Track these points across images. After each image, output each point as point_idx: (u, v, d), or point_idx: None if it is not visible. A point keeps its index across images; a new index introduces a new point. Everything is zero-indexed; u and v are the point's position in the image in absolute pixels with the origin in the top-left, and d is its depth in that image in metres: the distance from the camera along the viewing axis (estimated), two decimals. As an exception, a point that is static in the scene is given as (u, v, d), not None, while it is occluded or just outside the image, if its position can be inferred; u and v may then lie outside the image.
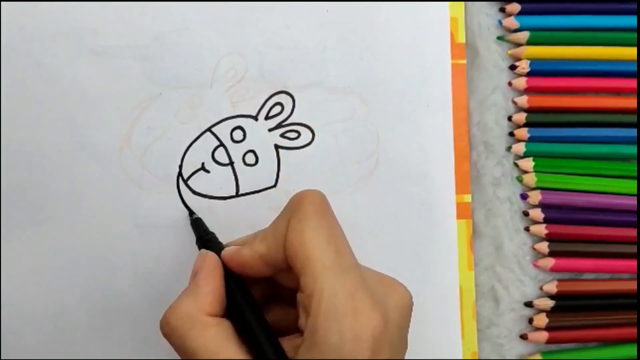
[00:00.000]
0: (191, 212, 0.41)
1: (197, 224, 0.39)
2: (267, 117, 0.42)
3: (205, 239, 0.37)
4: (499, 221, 0.44)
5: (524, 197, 0.44)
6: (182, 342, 0.31)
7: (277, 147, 0.41)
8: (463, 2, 0.44)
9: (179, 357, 0.40)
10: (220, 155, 0.41)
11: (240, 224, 0.41)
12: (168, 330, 0.32)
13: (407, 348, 0.32)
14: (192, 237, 0.40)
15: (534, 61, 0.44)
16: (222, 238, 0.39)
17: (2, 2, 0.40)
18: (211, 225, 0.40)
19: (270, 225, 0.33)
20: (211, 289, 0.33)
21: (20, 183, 0.40)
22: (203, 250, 0.35)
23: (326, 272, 0.30)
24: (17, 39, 0.41)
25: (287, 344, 0.31)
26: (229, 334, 0.31)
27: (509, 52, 0.45)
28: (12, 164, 0.40)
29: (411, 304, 0.32)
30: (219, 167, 0.41)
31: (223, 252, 0.34)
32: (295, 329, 0.32)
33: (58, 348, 0.40)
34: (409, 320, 0.32)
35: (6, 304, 0.40)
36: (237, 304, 0.33)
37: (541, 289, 0.44)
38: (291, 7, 0.42)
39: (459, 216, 0.43)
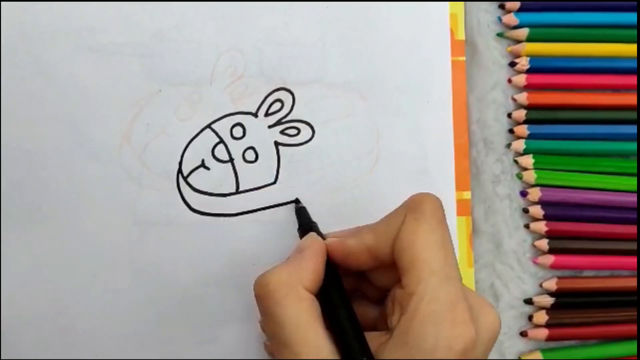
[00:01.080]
0: (297, 201, 0.41)
1: (302, 213, 0.40)
2: (267, 114, 0.42)
3: (309, 227, 0.38)
4: (498, 218, 0.44)
5: (523, 194, 0.44)
6: (274, 307, 0.31)
7: (277, 143, 0.41)
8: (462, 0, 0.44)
9: (178, 358, 0.40)
10: (220, 152, 0.41)
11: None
12: (264, 292, 0.32)
13: None
14: (192, 236, 0.40)
15: (533, 58, 0.44)
16: (223, 236, 0.39)
17: (2, 1, 0.40)
18: (211, 222, 0.40)
19: (381, 220, 0.34)
20: (314, 267, 0.33)
21: (20, 181, 0.40)
22: (313, 234, 0.36)
23: (432, 276, 0.30)
24: (16, 36, 0.41)
25: (370, 339, 0.32)
26: (318, 314, 0.31)
27: (509, 49, 0.45)
28: (11, 161, 0.40)
29: (499, 330, 0.32)
30: (219, 164, 0.41)
31: (327, 242, 0.35)
32: (372, 328, 0.33)
33: (58, 347, 0.40)
34: (493, 346, 0.33)
35: (6, 303, 0.40)
36: (330, 290, 0.33)
37: (541, 286, 0.44)
38: (291, 4, 0.42)
39: (458, 213, 0.43)
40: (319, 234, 0.37)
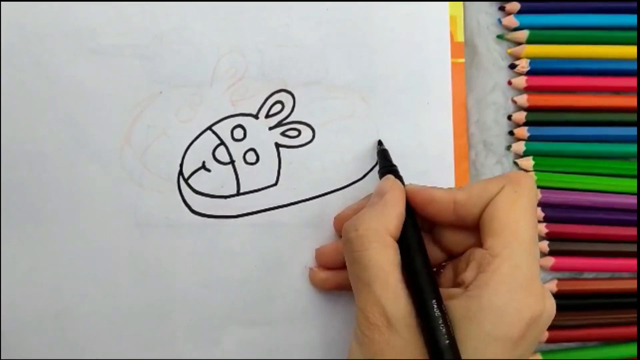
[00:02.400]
0: (380, 143, 0.42)
1: (384, 154, 0.40)
2: (267, 116, 0.42)
3: (389, 168, 0.38)
4: (498, 220, 0.44)
5: (524, 196, 0.44)
6: (361, 251, 0.33)
7: (277, 145, 0.41)
8: (461, 1, 0.44)
9: (178, 358, 0.40)
10: (221, 153, 0.41)
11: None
12: (353, 236, 0.34)
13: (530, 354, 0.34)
14: (193, 237, 0.40)
15: (533, 60, 0.44)
16: (224, 238, 0.39)
17: (2, 2, 0.40)
18: (212, 224, 0.40)
19: (474, 183, 0.35)
20: (397, 213, 0.34)
21: (20, 182, 0.40)
22: (390, 176, 0.37)
23: (520, 245, 0.32)
24: (17, 38, 0.41)
25: (442, 291, 0.33)
26: (399, 260, 0.33)
27: (509, 50, 0.45)
28: (12, 163, 0.40)
29: (553, 317, 0.34)
30: (220, 165, 0.41)
31: (408, 186, 0.36)
32: None
33: (58, 348, 0.40)
34: (544, 332, 0.34)
35: (6, 304, 0.40)
36: (408, 236, 0.35)
37: (541, 288, 0.44)
38: (291, 6, 0.42)
39: (459, 215, 0.43)
40: (399, 177, 0.38)
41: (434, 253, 0.37)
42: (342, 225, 0.37)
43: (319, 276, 0.40)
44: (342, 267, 0.37)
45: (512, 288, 0.31)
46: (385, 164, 0.39)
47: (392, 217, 0.34)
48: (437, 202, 0.35)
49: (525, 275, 0.32)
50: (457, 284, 0.34)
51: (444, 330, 0.30)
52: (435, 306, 0.31)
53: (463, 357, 0.30)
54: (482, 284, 0.31)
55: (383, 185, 0.36)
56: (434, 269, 0.37)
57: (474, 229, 0.35)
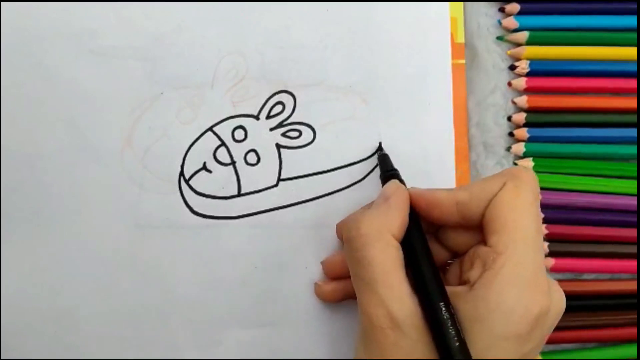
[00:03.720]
0: (380, 148, 0.42)
1: (385, 160, 0.40)
2: (268, 117, 0.42)
3: (390, 173, 0.39)
4: (499, 221, 0.44)
5: (524, 197, 0.44)
6: (364, 249, 0.33)
7: (278, 146, 0.41)
8: (462, 3, 0.44)
9: (178, 358, 0.40)
10: (222, 154, 0.41)
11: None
12: (355, 235, 0.34)
13: (541, 347, 0.34)
14: (194, 239, 0.40)
15: (533, 61, 0.44)
16: (225, 239, 0.39)
17: (2, 3, 0.40)
18: (213, 225, 0.40)
19: (476, 182, 0.35)
20: (400, 215, 0.34)
21: (21, 184, 0.40)
22: (396, 180, 0.37)
23: (524, 241, 0.32)
24: (18, 39, 0.41)
25: (448, 289, 0.33)
26: (402, 261, 0.33)
27: (509, 52, 0.45)
28: (12, 165, 0.40)
29: (563, 309, 0.34)
30: (221, 166, 0.41)
31: (412, 190, 0.36)
32: None
33: (58, 349, 0.40)
34: (556, 324, 0.34)
35: (6, 305, 0.40)
36: (413, 238, 0.35)
37: (541, 289, 0.44)
38: (292, 7, 0.42)
39: (459, 216, 0.43)
40: (401, 181, 0.38)
41: (438, 252, 0.38)
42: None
43: (326, 289, 0.40)
44: (348, 276, 0.36)
45: (518, 285, 0.31)
46: (387, 169, 0.39)
47: (395, 218, 0.34)
48: (440, 204, 0.35)
49: (531, 271, 0.32)
50: (462, 282, 0.34)
51: (453, 332, 0.30)
52: (443, 308, 0.31)
53: (473, 358, 0.30)
54: (487, 283, 0.31)
55: (387, 188, 0.36)
56: (440, 267, 0.38)
57: (478, 227, 0.35)
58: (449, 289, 0.33)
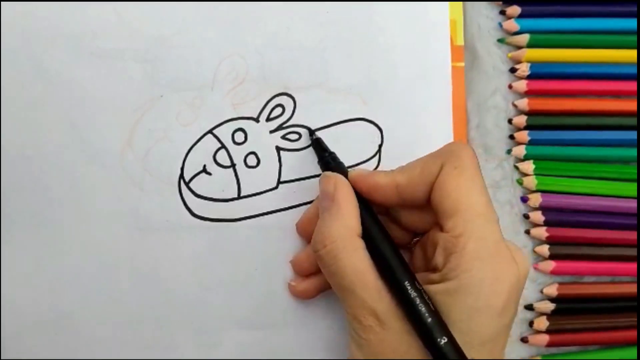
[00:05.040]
0: (311, 132, 0.41)
1: (318, 144, 0.40)
2: (268, 119, 0.42)
3: (327, 159, 0.39)
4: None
5: (524, 199, 0.44)
6: (334, 262, 0.33)
7: (278, 148, 0.41)
8: (461, 4, 0.44)
9: (178, 358, 0.40)
10: (222, 157, 0.41)
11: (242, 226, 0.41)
12: (323, 253, 0.34)
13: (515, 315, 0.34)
14: (193, 241, 0.40)
15: (534, 64, 0.44)
16: (225, 241, 0.39)
17: (2, 4, 0.40)
18: (213, 228, 0.40)
19: (412, 163, 0.36)
20: (353, 210, 0.35)
21: (21, 186, 0.40)
22: (329, 172, 0.37)
23: (478, 217, 0.33)
24: (18, 41, 0.41)
25: (419, 277, 0.34)
26: (368, 255, 0.34)
27: (509, 54, 0.45)
28: (12, 167, 0.40)
29: (527, 273, 0.34)
30: (221, 169, 0.41)
31: (351, 173, 0.37)
32: None
33: (58, 351, 0.40)
34: (522, 291, 0.34)
35: (6, 307, 0.40)
36: (369, 225, 0.35)
37: (542, 291, 0.44)
38: (291, 9, 0.42)
39: (459, 219, 0.43)
40: (339, 164, 0.38)
41: (397, 234, 0.38)
42: (305, 232, 0.39)
43: (299, 289, 0.40)
44: (318, 270, 0.37)
45: (484, 260, 0.32)
46: (323, 154, 0.39)
47: (350, 216, 0.34)
48: (380, 187, 0.36)
49: (492, 244, 0.32)
50: (430, 268, 0.34)
51: (423, 308, 0.31)
52: (409, 286, 0.32)
53: (451, 332, 0.31)
54: (454, 266, 0.32)
55: (327, 186, 0.36)
56: (409, 247, 0.38)
57: (425, 207, 0.35)
58: (420, 276, 0.33)
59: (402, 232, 0.38)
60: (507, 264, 0.32)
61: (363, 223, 0.35)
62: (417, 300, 0.31)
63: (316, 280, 0.39)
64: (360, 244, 0.34)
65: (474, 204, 0.33)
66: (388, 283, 0.33)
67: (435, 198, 0.34)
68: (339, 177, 0.36)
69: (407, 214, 0.37)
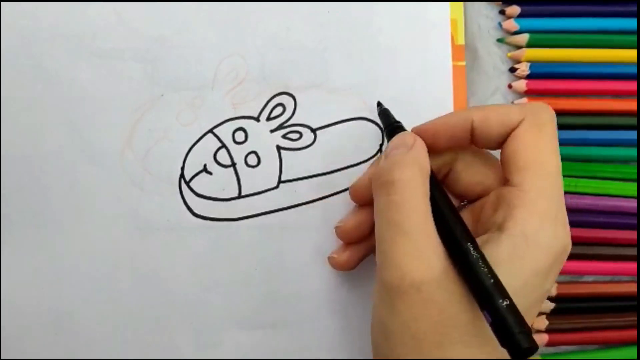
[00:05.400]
0: (379, 104, 0.41)
1: (386, 114, 0.40)
2: (268, 118, 0.42)
3: (396, 124, 0.38)
4: (499, 223, 0.44)
5: (524, 199, 0.44)
6: (403, 192, 0.32)
7: (279, 148, 0.41)
8: (462, 4, 0.44)
9: (178, 358, 0.40)
10: (222, 156, 0.41)
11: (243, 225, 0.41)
12: (397, 177, 0.32)
13: None
14: (194, 241, 0.40)
15: (534, 64, 0.44)
16: (225, 240, 0.39)
17: (2, 4, 0.40)
18: (213, 227, 0.40)
19: (490, 105, 0.36)
20: (428, 164, 0.34)
21: (21, 186, 0.40)
22: (406, 131, 0.37)
23: (550, 177, 0.33)
24: (18, 41, 0.41)
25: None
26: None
27: (509, 54, 0.45)
28: (12, 166, 0.40)
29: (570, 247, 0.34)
30: (221, 168, 0.41)
31: (416, 127, 0.36)
32: None
33: (58, 351, 0.40)
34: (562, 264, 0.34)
35: (7, 307, 0.40)
36: (432, 190, 0.33)
37: (541, 291, 0.44)
38: (292, 9, 0.42)
39: (459, 218, 0.43)
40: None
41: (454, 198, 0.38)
42: (359, 195, 0.37)
43: (342, 260, 0.39)
44: (362, 239, 0.37)
45: (550, 221, 0.32)
46: (392, 122, 0.39)
47: (427, 164, 0.33)
48: (450, 126, 0.35)
49: (557, 207, 0.32)
50: (483, 229, 0.34)
51: (486, 269, 0.30)
52: (472, 248, 0.30)
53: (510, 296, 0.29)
54: (521, 220, 0.31)
55: (406, 137, 0.35)
56: None
57: (487, 164, 0.35)
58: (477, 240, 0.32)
59: (452, 199, 0.36)
60: (564, 229, 0.32)
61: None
62: (480, 262, 0.30)
63: (359, 248, 0.39)
64: (428, 192, 0.32)
65: (547, 164, 0.33)
66: (449, 245, 0.31)
67: (510, 148, 0.33)
68: (418, 137, 0.35)
69: (468, 174, 0.36)
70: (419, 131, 0.36)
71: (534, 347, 0.28)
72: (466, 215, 0.36)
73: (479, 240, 0.32)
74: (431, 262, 0.30)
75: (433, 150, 0.35)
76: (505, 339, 0.28)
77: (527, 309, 0.30)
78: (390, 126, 0.39)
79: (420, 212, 0.31)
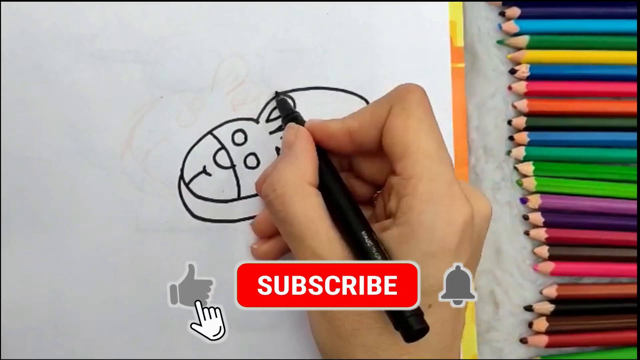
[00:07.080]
0: (277, 94, 0.41)
1: (284, 103, 0.40)
2: (268, 120, 0.42)
3: (291, 116, 0.39)
4: (498, 225, 0.45)
5: (523, 201, 0.44)
6: (284, 207, 0.33)
7: (278, 149, 0.41)
8: (461, 5, 0.44)
9: (178, 358, 0.40)
10: (222, 158, 0.41)
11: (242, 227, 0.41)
12: (273, 197, 0.33)
13: (479, 260, 0.34)
14: (194, 242, 0.40)
15: (533, 65, 0.44)
16: (224, 242, 0.39)
17: (2, 5, 0.40)
18: (213, 228, 0.40)
19: (364, 108, 0.35)
20: (310, 159, 0.34)
21: (21, 188, 0.40)
22: (292, 124, 0.37)
23: (427, 158, 0.32)
24: (18, 43, 0.41)
25: (375, 226, 0.33)
26: (323, 205, 0.33)
27: (509, 56, 0.45)
28: (13, 168, 0.40)
29: (491, 214, 0.34)
30: (221, 170, 0.41)
31: (307, 123, 0.37)
32: None
33: (58, 352, 0.40)
34: (487, 231, 0.34)
35: (7, 308, 0.40)
36: (326, 177, 0.34)
37: (541, 293, 0.44)
38: (291, 10, 0.42)
39: (459, 220, 0.43)
40: (302, 122, 0.38)
41: (360, 189, 0.38)
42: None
43: (261, 251, 0.39)
44: (278, 232, 0.37)
45: (435, 201, 0.31)
46: (287, 113, 0.39)
47: (305, 165, 0.34)
48: (334, 134, 0.35)
49: (443, 184, 0.31)
50: (387, 216, 0.34)
51: (379, 257, 0.30)
52: (366, 237, 0.31)
53: None
54: (406, 209, 0.31)
55: (288, 136, 0.36)
56: (372, 202, 0.38)
57: (381, 155, 0.34)
58: (376, 225, 0.33)
59: (366, 187, 0.38)
60: (459, 205, 0.31)
61: (322, 176, 0.34)
62: (374, 250, 0.31)
63: (277, 241, 0.39)
64: (312, 192, 0.33)
65: (422, 145, 0.32)
66: (345, 235, 0.32)
67: (386, 141, 0.33)
68: (301, 128, 0.36)
69: (366, 164, 0.37)
70: (310, 129, 0.36)
71: (425, 328, 0.29)
72: (379, 202, 0.36)
73: (379, 226, 0.33)
74: (327, 258, 0.32)
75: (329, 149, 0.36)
76: (397, 322, 0.29)
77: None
78: (285, 118, 0.39)
79: (305, 216, 0.32)
